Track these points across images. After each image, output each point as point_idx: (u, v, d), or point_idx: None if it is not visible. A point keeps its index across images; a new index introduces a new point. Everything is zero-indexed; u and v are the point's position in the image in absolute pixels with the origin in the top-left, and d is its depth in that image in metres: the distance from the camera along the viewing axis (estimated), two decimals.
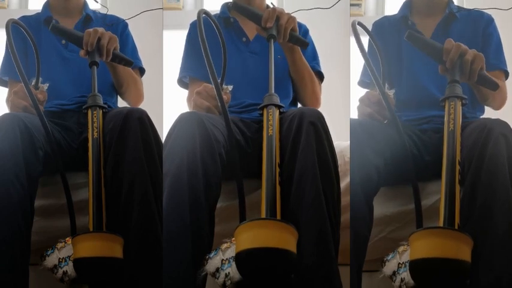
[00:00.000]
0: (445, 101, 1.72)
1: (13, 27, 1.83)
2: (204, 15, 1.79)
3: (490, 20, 2.05)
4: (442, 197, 1.61)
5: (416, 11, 2.08)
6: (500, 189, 1.60)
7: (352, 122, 1.74)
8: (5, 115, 1.78)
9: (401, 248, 1.65)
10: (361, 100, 1.84)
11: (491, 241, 1.57)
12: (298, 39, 1.92)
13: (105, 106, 1.87)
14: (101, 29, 1.87)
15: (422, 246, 1.54)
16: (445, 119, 1.69)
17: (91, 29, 1.86)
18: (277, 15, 1.86)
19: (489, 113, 2.06)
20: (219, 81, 1.83)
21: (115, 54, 1.89)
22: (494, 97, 1.96)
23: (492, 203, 1.60)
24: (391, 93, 1.83)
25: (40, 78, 1.90)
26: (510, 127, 1.69)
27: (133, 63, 2.05)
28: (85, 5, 2.20)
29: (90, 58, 1.85)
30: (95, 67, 1.85)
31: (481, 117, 2.04)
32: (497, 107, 2.04)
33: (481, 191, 1.62)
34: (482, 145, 1.65)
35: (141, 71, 2.19)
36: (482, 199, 1.61)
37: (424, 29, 2.05)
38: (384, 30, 2.09)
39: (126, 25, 2.19)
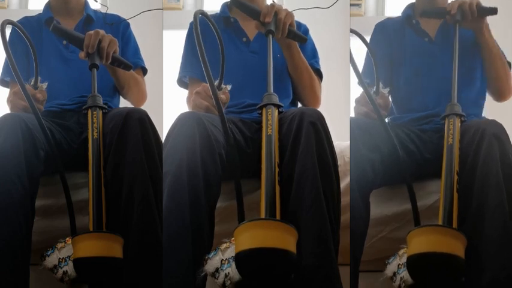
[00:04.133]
0: (444, 118, 1.81)
1: (13, 28, 1.83)
2: (201, 15, 1.79)
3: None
4: (440, 204, 1.65)
5: (419, 11, 2.10)
6: (493, 190, 1.63)
7: (352, 120, 1.78)
8: (7, 115, 1.78)
9: (401, 251, 1.68)
10: (357, 100, 1.88)
11: (487, 242, 1.60)
12: (296, 34, 1.93)
13: (105, 106, 1.87)
14: (101, 32, 1.87)
15: (418, 242, 1.57)
16: (445, 134, 1.78)
17: (92, 31, 1.86)
18: (275, 10, 1.87)
19: (488, 110, 2.07)
20: (217, 81, 1.83)
21: (114, 57, 1.90)
22: (497, 62, 2.02)
23: (486, 205, 1.63)
24: (385, 91, 1.87)
25: (39, 78, 1.90)
26: (504, 128, 1.73)
27: (134, 65, 2.07)
28: (86, 5, 2.19)
29: (90, 60, 1.86)
30: (95, 69, 1.86)
31: (482, 114, 2.08)
32: (501, 93, 2.06)
33: (475, 193, 1.65)
34: (476, 147, 1.70)
35: (144, 71, 2.19)
36: (477, 201, 1.65)
37: (428, 28, 2.08)
38: (387, 31, 2.12)
39: (127, 24, 2.19)
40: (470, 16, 1.94)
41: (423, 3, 2.10)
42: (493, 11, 1.96)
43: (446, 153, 1.73)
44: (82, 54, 1.87)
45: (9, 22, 1.84)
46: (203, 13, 1.83)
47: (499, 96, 2.08)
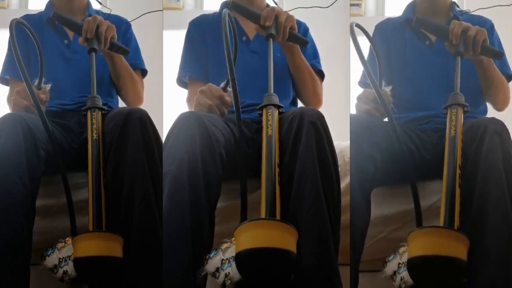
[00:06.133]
0: (447, 108, 1.77)
1: (16, 27, 1.83)
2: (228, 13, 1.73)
3: (492, 27, 2.07)
4: (442, 200, 1.63)
5: (419, 13, 2.08)
6: (495, 188, 1.62)
7: (352, 118, 1.77)
8: (7, 115, 1.78)
9: (402, 249, 1.67)
10: (359, 98, 1.87)
11: (487, 240, 1.59)
12: (297, 37, 1.92)
13: (104, 108, 1.88)
14: (99, 17, 1.90)
15: (419, 244, 1.56)
16: (447, 125, 1.74)
17: (90, 17, 1.90)
18: (275, 14, 1.86)
19: (491, 113, 2.07)
20: (223, 84, 1.83)
21: (112, 42, 1.92)
22: (497, 87, 1.98)
23: (488, 203, 1.62)
24: (388, 89, 1.86)
25: (43, 79, 1.90)
26: (504, 125, 1.72)
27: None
28: (88, 5, 2.20)
29: (89, 45, 1.89)
30: (94, 54, 1.89)
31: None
32: (500, 104, 2.05)
33: (476, 189, 1.64)
34: (477, 144, 1.69)
35: (143, 73, 2.19)
36: (478, 199, 1.64)
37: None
38: (387, 32, 2.11)
39: (129, 25, 2.19)
40: (471, 52, 1.82)
41: (423, 4, 2.08)
42: (498, 55, 1.85)
43: (448, 146, 1.69)
44: (81, 39, 1.90)
45: (18, 21, 1.86)
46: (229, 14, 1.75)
47: (495, 109, 2.08)
